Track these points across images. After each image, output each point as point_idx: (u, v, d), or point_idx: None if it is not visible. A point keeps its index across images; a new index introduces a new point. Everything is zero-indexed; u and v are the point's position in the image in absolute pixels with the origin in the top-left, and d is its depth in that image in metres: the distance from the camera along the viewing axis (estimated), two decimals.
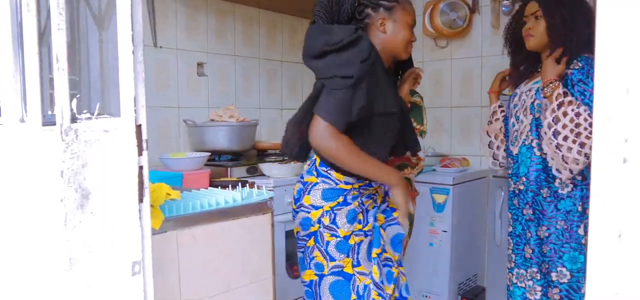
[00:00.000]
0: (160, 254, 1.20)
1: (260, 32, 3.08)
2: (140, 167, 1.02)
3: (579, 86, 1.71)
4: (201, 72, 2.77)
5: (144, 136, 1.02)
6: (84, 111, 1.04)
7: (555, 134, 1.67)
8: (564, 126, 1.65)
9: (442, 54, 3.28)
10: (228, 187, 1.58)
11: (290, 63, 3.27)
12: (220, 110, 2.62)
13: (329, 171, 1.61)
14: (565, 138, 1.65)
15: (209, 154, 2.42)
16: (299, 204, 1.64)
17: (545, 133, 1.71)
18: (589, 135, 1.62)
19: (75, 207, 0.95)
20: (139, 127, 1.00)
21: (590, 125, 1.62)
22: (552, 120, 1.68)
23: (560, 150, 1.66)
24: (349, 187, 1.61)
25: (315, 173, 1.63)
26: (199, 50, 2.75)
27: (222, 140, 2.51)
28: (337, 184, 1.60)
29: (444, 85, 3.29)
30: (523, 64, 1.95)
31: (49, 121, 1.06)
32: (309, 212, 1.61)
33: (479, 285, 3.03)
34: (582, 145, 1.62)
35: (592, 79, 1.70)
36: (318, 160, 1.63)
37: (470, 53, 3.18)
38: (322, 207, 1.59)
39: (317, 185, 1.61)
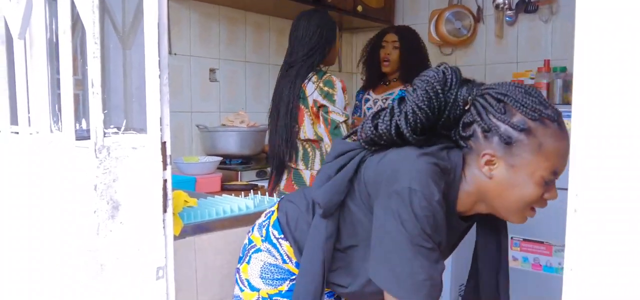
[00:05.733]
0: (180, 259, 1.30)
1: (270, 39, 3.18)
2: (165, 181, 1.11)
3: None
4: (213, 78, 2.87)
5: (168, 152, 1.11)
6: (111, 126, 1.14)
7: None
8: None
9: (447, 61, 3.36)
10: (241, 193, 1.67)
11: None
12: (232, 115, 2.72)
13: (280, 240, 1.20)
14: None
15: (221, 158, 2.52)
16: (237, 268, 1.27)
17: None
18: None
19: (107, 218, 1.04)
20: (164, 144, 1.10)
21: None
22: None
23: None
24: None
25: (263, 233, 1.22)
26: (211, 57, 2.85)
27: (233, 145, 2.61)
28: (284, 262, 1.19)
29: None
30: (378, 77, 2.60)
31: (80, 136, 1.15)
32: (242, 291, 1.22)
33: None
34: None
35: None
36: (276, 216, 1.22)
37: (474, 61, 3.26)
38: (258, 290, 1.19)
39: (258, 254, 1.21)
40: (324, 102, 2.03)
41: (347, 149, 1.11)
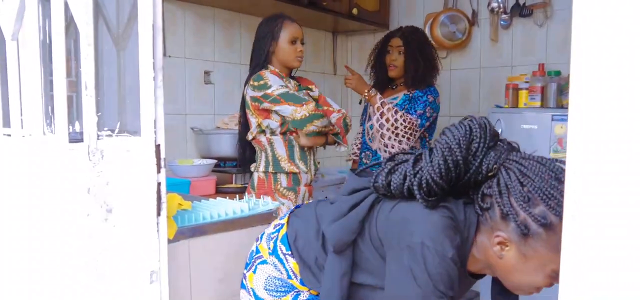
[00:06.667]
0: (174, 262, 1.29)
1: None
2: (159, 184, 1.10)
3: (418, 101, 2.43)
4: (208, 80, 2.86)
5: (162, 155, 1.10)
6: (105, 128, 1.12)
7: (382, 135, 2.36)
8: (387, 129, 2.34)
9: (442, 65, 3.36)
10: (235, 196, 1.66)
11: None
12: (227, 118, 2.71)
13: (287, 256, 1.19)
14: (389, 137, 2.35)
15: (215, 161, 2.51)
16: (243, 274, 1.27)
17: (376, 132, 2.39)
18: (405, 132, 2.34)
19: (100, 221, 1.03)
20: (158, 146, 1.09)
21: (405, 121, 2.33)
22: (379, 126, 2.36)
23: (387, 147, 2.37)
24: (304, 288, 1.19)
25: (271, 246, 1.22)
26: (206, 59, 2.84)
27: (227, 148, 2.60)
28: (289, 277, 1.19)
29: (443, 95, 3.37)
30: (386, 82, 2.60)
31: (73, 138, 1.14)
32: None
33: (473, 289, 3.11)
34: (400, 142, 2.35)
35: (420, 101, 2.44)
36: (284, 231, 1.21)
37: (469, 64, 3.26)
38: None
39: (264, 266, 1.21)
40: (261, 92, 2.01)
41: (361, 186, 1.08)
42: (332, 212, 1.08)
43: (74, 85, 1.45)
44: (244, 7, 2.90)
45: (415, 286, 0.93)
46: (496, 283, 1.13)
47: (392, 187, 1.01)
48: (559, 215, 0.88)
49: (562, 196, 0.86)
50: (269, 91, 2.00)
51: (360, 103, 2.65)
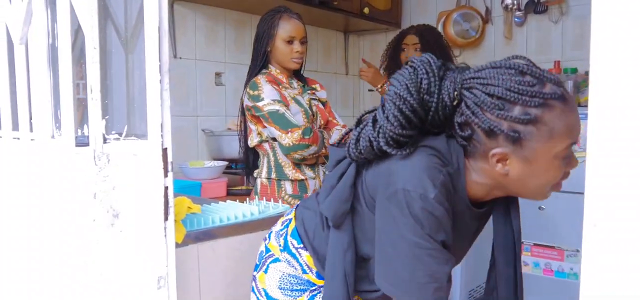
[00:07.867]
0: (182, 267, 1.27)
1: None
2: (166, 188, 1.08)
3: None
4: (219, 81, 2.85)
5: (170, 158, 1.09)
6: (113, 132, 1.11)
7: None
8: None
9: (455, 63, 3.32)
10: (246, 199, 1.65)
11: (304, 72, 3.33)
12: (237, 119, 2.70)
13: (299, 249, 1.16)
14: None
15: (227, 163, 2.50)
16: (253, 276, 1.24)
17: None
18: None
19: (106, 226, 1.02)
20: (165, 150, 1.07)
21: None
22: None
23: None
24: (321, 282, 1.15)
25: (281, 243, 1.18)
26: (217, 60, 2.83)
27: (238, 150, 2.58)
28: (304, 272, 1.16)
29: None
30: None
31: (80, 142, 1.13)
32: None
33: None
34: None
35: None
36: (293, 225, 1.18)
37: (483, 62, 3.21)
38: None
39: (277, 264, 1.17)
40: (252, 103, 1.89)
41: (344, 155, 1.07)
42: (324, 190, 1.07)
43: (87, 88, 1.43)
44: (255, 8, 2.89)
45: (401, 233, 0.92)
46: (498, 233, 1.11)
47: (364, 154, 1.00)
48: (538, 105, 0.86)
49: (531, 86, 0.86)
50: (260, 104, 1.86)
51: (370, 90, 2.62)
